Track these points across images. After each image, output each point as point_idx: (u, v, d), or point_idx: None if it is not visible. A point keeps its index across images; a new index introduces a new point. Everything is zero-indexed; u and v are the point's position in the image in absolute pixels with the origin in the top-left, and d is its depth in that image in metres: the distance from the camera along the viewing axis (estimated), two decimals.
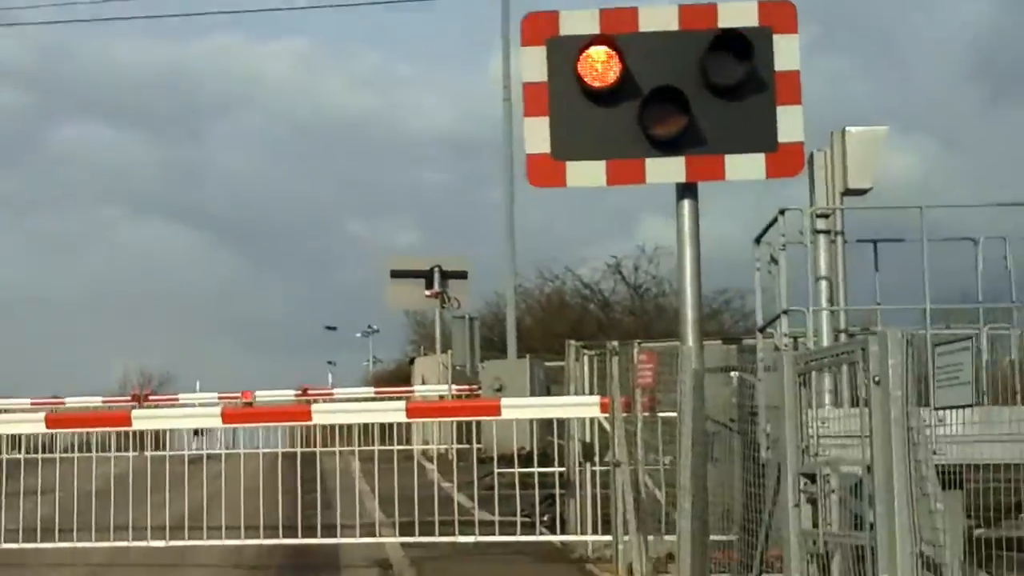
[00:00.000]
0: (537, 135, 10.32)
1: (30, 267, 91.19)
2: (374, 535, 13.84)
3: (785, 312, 10.01)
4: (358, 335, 68.79)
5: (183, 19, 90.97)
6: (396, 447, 16.01)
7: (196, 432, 21.27)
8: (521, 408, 13.74)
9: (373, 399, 28.36)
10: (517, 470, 13.98)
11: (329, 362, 67.26)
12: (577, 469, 14.50)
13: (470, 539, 13.24)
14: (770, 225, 10.43)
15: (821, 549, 7.29)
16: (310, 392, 29.79)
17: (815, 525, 7.48)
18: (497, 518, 13.63)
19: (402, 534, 13.77)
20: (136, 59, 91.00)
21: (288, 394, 29.54)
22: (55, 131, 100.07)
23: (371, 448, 17.11)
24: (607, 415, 12.72)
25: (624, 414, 12.19)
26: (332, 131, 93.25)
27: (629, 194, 64.00)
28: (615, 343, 12.41)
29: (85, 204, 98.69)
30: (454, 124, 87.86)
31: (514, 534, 13.47)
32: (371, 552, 13.96)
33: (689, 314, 10.61)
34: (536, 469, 14.28)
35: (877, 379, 6.48)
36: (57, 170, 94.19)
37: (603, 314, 39.20)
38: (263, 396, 28.72)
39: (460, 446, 24.87)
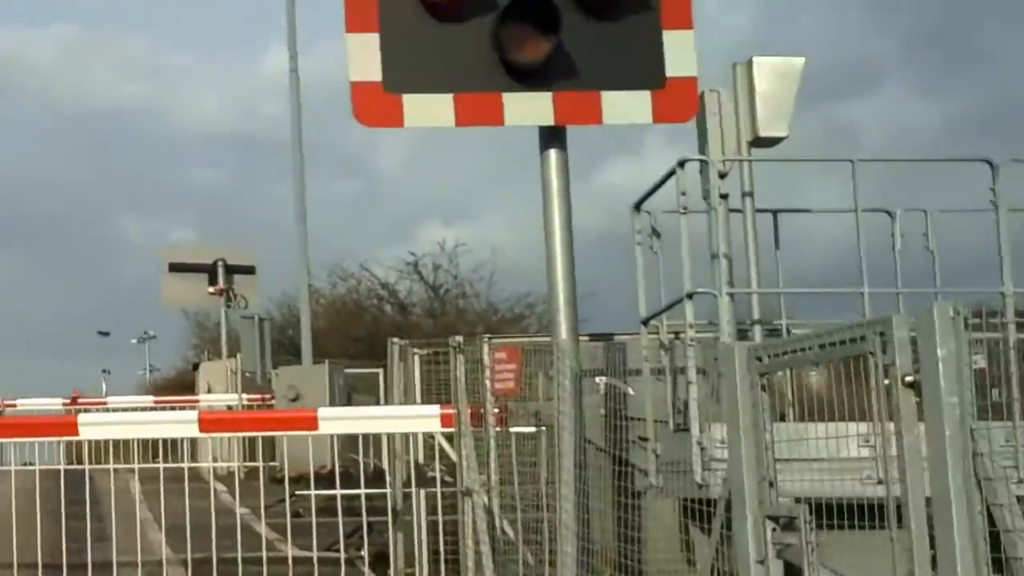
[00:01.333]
0: (364, 57, 8.11)
1: None
2: None
3: (690, 296, 7.88)
4: (133, 341, 65.11)
5: None
6: (187, 464, 13.30)
7: None
8: (343, 421, 11.37)
9: (152, 409, 25.53)
10: (339, 491, 11.63)
11: (104, 370, 63.53)
12: (399, 494, 12.29)
13: None
14: (658, 186, 8.36)
15: None
16: (81, 401, 26.83)
17: None
18: (316, 554, 11.20)
19: None
20: None
21: (55, 403, 26.53)
22: None
23: (155, 465, 14.53)
24: (452, 429, 10.52)
25: (473, 428, 10.06)
26: (102, 122, 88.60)
27: (424, 197, 62.00)
28: (459, 339, 10.26)
29: None
30: (230, 120, 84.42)
31: None
32: None
33: (561, 298, 8.50)
34: (364, 491, 11.91)
35: (910, 379, 4.53)
36: None
37: (401, 316, 36.87)
38: (26, 404, 25.72)
39: (253, 464, 22.45)
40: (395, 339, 13.32)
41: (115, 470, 14.70)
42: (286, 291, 36.81)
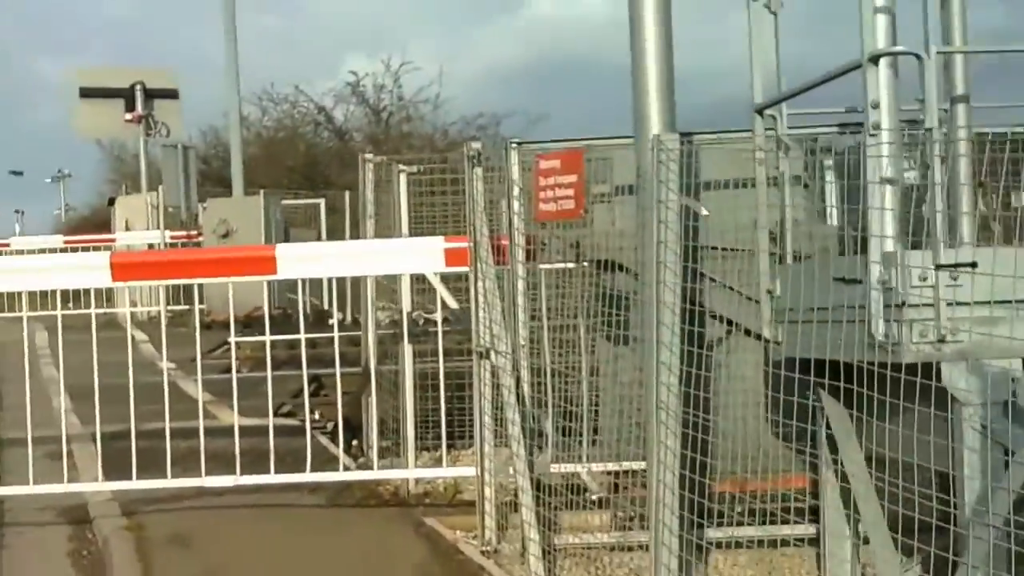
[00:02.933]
0: None
1: None
2: (59, 463, 8.36)
3: (875, 60, 4.97)
4: (47, 180, 61.61)
5: None
6: (95, 309, 9.68)
7: None
8: (310, 262, 8.10)
9: (63, 249, 22.48)
10: (303, 336, 8.53)
11: (17, 211, 60.41)
12: (373, 349, 9.26)
13: (227, 481, 7.83)
14: None
15: None
16: None
17: None
18: (272, 421, 8.03)
19: (107, 467, 8.24)
20: None
21: None
22: None
23: (51, 313, 11.27)
24: (461, 268, 7.52)
25: (495, 266, 7.14)
26: None
27: (348, 31, 58.38)
28: (476, 145, 7.26)
29: None
30: None
31: (301, 467, 8.09)
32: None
33: (652, 79, 5.83)
34: (338, 334, 8.72)
35: None
36: None
37: (340, 143, 33.46)
38: None
39: (178, 307, 19.69)
40: (366, 155, 9.91)
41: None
42: (210, 123, 33.74)
